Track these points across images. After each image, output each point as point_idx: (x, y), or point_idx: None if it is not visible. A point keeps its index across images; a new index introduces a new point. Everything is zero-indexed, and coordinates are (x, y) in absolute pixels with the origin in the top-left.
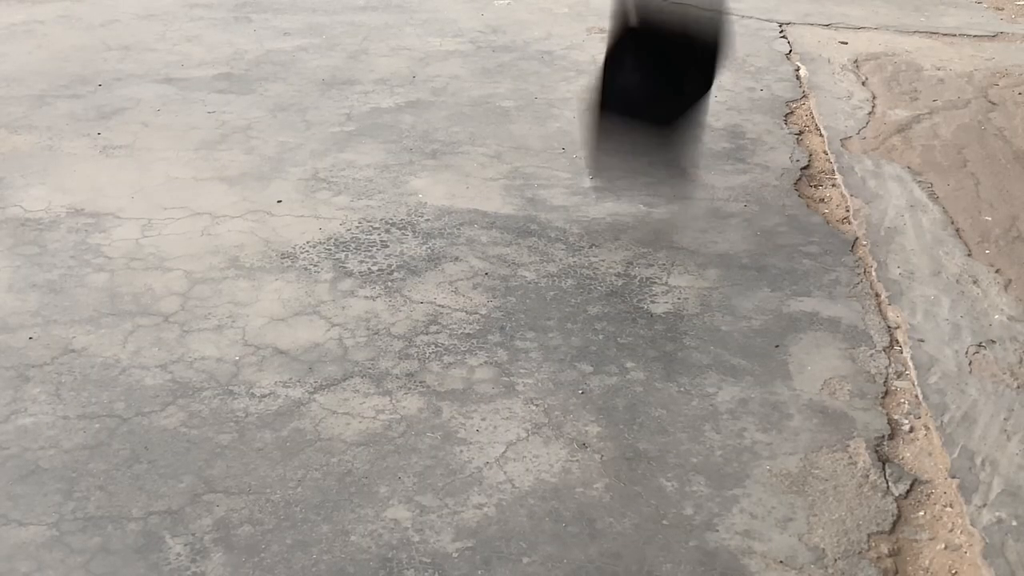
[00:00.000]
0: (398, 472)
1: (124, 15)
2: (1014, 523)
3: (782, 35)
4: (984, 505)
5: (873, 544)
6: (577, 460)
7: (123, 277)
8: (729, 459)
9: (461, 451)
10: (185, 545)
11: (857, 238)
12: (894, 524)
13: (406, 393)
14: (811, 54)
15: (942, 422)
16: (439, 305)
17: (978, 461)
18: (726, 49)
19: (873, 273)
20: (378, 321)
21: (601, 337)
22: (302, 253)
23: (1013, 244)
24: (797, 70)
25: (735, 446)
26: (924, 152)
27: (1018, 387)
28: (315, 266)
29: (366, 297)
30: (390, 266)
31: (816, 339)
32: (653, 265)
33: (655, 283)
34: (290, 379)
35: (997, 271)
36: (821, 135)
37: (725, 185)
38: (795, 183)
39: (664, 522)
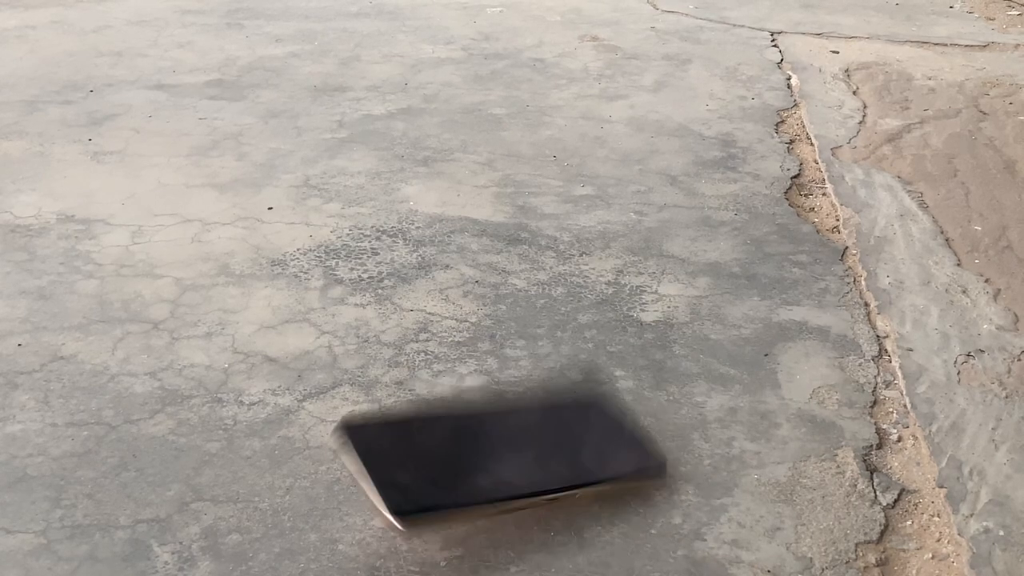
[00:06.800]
0: None
1: (116, 21)
2: (1001, 533)
3: (773, 44)
4: (971, 515)
5: (861, 554)
6: None
7: (113, 284)
8: (718, 468)
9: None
10: (173, 553)
11: (847, 247)
12: (882, 534)
13: (395, 401)
14: (802, 63)
15: (930, 431)
16: (429, 313)
17: (966, 471)
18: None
19: (863, 282)
20: (368, 329)
21: (591, 346)
22: (292, 260)
23: (1002, 254)
24: (788, 79)
25: (724, 455)
26: (915, 161)
27: (1006, 397)
28: (305, 273)
29: (356, 305)
30: (380, 273)
31: (805, 348)
32: (643, 273)
33: (645, 291)
34: (279, 387)
35: (986, 281)
36: (812, 144)
37: (715, 194)
38: (785, 192)
39: (652, 531)
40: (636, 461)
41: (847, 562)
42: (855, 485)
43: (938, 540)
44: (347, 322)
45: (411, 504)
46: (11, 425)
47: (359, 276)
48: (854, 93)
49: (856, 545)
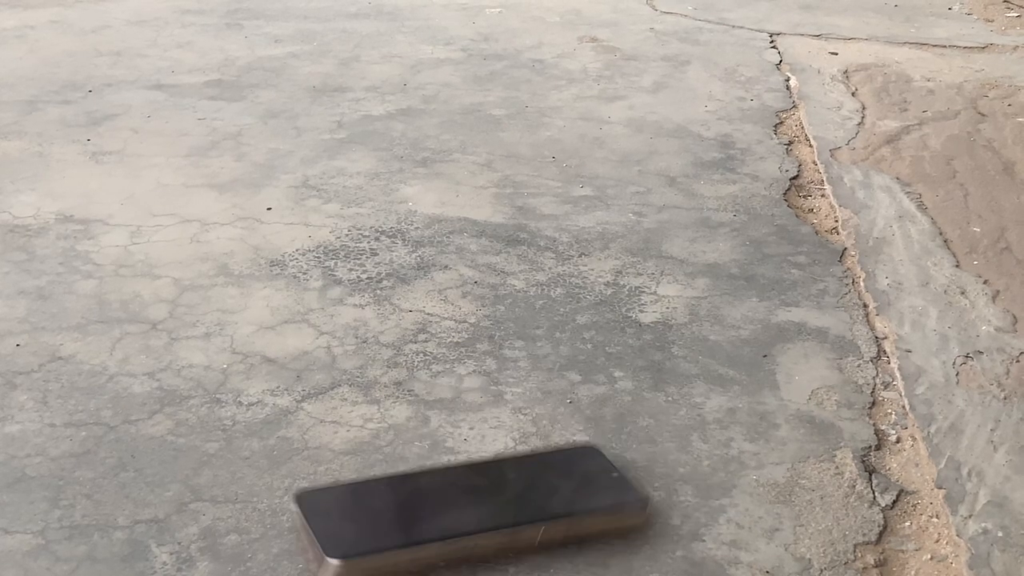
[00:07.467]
0: None
1: (115, 21)
2: (1000, 534)
3: (772, 45)
4: (970, 516)
5: (859, 554)
6: None
7: (112, 284)
8: (716, 469)
9: (449, 460)
10: (171, 554)
11: (846, 248)
12: (880, 534)
13: (394, 402)
14: (801, 64)
15: (929, 433)
16: (428, 314)
17: (964, 472)
18: None
19: (861, 283)
20: (367, 329)
21: (590, 346)
22: (291, 261)
23: (1001, 255)
24: (787, 80)
25: (722, 456)
26: (913, 163)
27: (1005, 398)
28: (304, 274)
29: (355, 305)
30: (379, 274)
31: (804, 349)
32: (642, 274)
33: (644, 292)
34: (278, 387)
35: (985, 282)
36: (811, 145)
37: (714, 195)
38: (784, 193)
39: (650, 532)
40: (616, 497)
41: (846, 563)
42: (854, 486)
43: (937, 541)
44: (346, 323)
45: (354, 548)
46: (10, 425)
47: (358, 277)
48: (853, 94)
49: (855, 546)
